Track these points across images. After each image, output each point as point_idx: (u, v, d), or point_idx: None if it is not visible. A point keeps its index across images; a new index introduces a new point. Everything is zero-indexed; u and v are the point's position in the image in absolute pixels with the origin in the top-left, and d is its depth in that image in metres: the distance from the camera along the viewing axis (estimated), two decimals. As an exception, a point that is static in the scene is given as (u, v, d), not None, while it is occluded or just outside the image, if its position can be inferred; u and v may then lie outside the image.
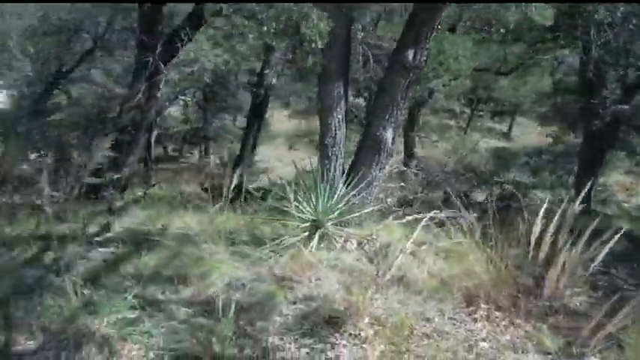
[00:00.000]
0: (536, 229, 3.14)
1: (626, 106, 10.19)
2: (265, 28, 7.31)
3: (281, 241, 3.75)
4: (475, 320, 3.14)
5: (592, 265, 3.10)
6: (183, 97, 15.73)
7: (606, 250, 2.99)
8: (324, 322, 3.02)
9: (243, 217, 5.09)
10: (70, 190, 6.28)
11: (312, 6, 5.46)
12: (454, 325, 3.11)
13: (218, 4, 6.99)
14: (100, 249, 4.27)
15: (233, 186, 8.71)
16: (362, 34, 7.09)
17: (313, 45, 4.12)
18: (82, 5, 12.27)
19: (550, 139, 17.90)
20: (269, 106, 20.76)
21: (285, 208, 4.05)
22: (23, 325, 2.81)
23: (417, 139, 15.35)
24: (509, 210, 4.43)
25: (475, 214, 3.72)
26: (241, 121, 19.55)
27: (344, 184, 4.05)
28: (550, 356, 2.86)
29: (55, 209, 5.94)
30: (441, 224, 4.00)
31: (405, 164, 10.05)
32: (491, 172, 14.11)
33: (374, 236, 3.86)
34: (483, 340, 2.96)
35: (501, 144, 21.04)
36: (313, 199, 3.91)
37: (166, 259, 3.72)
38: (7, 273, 3.76)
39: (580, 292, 3.49)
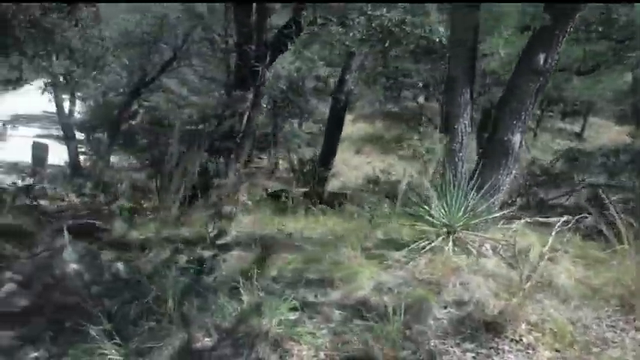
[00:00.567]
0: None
1: None
2: (357, 35, 7.42)
3: (417, 245, 3.78)
4: (637, 329, 3.06)
5: None
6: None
7: None
8: (481, 327, 3.03)
9: (357, 220, 5.17)
10: (178, 195, 6.58)
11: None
12: (615, 333, 3.04)
13: (313, 13, 7.12)
14: (233, 252, 4.45)
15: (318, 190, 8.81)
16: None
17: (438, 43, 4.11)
18: (164, 17, 12.87)
19: (629, 139, 17.08)
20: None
21: (414, 212, 4.09)
22: (199, 324, 2.98)
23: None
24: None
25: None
26: (306, 125, 19.86)
27: (471, 189, 4.04)
28: None
29: (169, 215, 6.26)
30: (576, 228, 3.92)
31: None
32: (566, 174, 13.63)
33: (510, 241, 3.83)
34: (653, 349, 2.88)
35: (574, 145, 20.27)
36: (445, 204, 3.92)
37: (306, 262, 3.83)
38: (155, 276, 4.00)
39: None
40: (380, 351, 2.80)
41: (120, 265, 4.30)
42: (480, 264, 3.65)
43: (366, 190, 11.49)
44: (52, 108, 27.21)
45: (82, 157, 15.09)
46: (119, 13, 13.61)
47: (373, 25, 7.48)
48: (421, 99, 17.98)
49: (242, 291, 3.09)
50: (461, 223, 3.89)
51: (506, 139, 4.10)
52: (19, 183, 8.23)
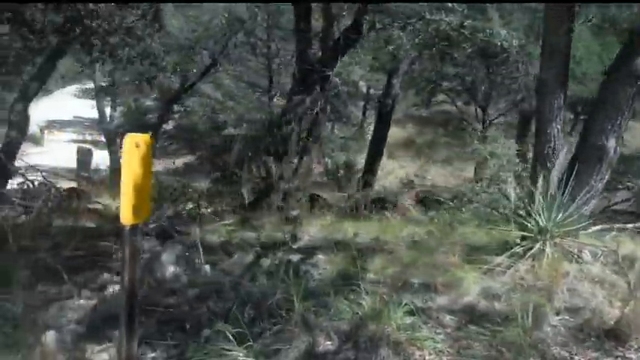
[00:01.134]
0: None
1: None
2: (416, 39, 7.39)
3: (516, 250, 3.74)
4: None
5: None
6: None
7: None
8: (601, 335, 2.98)
9: (434, 224, 5.15)
10: (245, 199, 6.63)
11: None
12: None
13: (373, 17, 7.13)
14: (319, 255, 4.46)
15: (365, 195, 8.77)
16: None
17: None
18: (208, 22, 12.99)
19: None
20: (366, 115, 21.02)
21: (506, 217, 4.05)
22: (319, 327, 2.99)
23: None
24: None
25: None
26: (339, 130, 19.88)
27: (563, 194, 3.99)
28: None
29: (237, 218, 6.31)
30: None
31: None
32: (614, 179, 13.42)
33: (610, 247, 3.78)
34: None
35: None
36: (542, 209, 3.88)
37: (404, 267, 3.82)
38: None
39: None
40: (502, 357, 2.78)
41: (207, 268, 4.36)
42: (585, 270, 3.60)
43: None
44: (83, 113, 27.68)
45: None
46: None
47: (430, 29, 7.49)
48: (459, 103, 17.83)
49: (362, 294, 3.08)
50: (560, 229, 3.83)
51: (600, 144, 4.04)
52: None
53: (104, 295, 3.62)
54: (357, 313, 3.00)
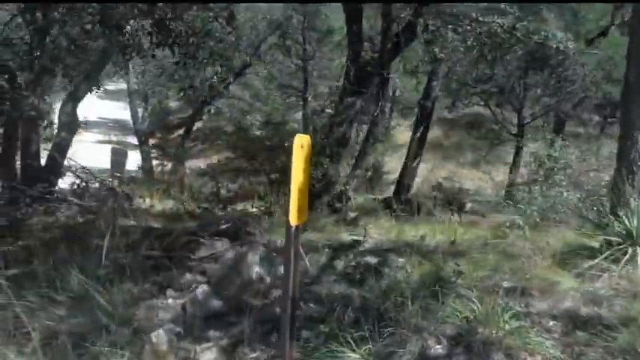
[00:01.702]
0: None
1: None
2: (468, 41, 7.34)
3: (608, 255, 3.68)
4: None
5: None
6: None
7: None
8: None
9: (506, 228, 5.08)
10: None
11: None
12: None
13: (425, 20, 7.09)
14: (393, 258, 4.42)
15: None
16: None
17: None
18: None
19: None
20: (392, 116, 20.91)
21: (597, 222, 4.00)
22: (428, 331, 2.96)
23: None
24: None
25: None
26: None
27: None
28: None
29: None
30: None
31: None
32: None
33: None
34: None
35: None
36: (630, 213, 3.82)
37: (492, 270, 3.78)
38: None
39: None
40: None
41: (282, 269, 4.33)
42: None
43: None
44: (108, 114, 27.92)
45: (154, 162, 15.44)
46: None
47: (480, 31, 7.43)
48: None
49: (473, 299, 3.05)
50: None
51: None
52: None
53: (193, 295, 3.61)
54: (466, 317, 2.96)
